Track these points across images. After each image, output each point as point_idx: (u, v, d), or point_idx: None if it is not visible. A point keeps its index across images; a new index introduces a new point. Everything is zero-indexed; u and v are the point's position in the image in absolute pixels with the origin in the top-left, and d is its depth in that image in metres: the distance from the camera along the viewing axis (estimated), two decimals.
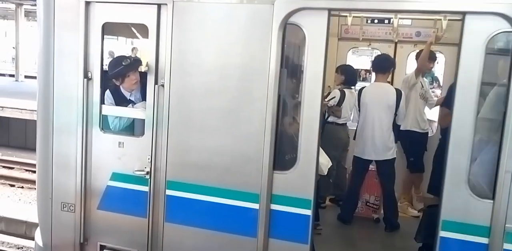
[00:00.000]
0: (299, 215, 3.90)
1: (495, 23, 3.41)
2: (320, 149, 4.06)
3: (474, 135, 3.50)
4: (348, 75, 6.38)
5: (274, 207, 3.97)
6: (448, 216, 3.56)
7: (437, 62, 7.09)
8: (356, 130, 5.84)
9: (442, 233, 3.59)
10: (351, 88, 6.48)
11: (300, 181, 3.89)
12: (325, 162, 4.61)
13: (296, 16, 3.77)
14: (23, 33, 23.50)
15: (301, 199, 3.89)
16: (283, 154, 4.07)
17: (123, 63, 4.58)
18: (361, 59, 20.38)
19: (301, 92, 3.83)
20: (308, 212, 3.88)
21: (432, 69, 8.12)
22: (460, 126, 3.51)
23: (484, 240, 3.51)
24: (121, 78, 4.69)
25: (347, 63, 6.96)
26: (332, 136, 6.03)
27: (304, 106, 3.83)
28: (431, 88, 8.03)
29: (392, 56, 6.61)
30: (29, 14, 24.38)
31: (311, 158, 3.85)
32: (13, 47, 25.48)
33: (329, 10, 3.73)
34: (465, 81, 3.49)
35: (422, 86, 6.17)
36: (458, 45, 3.54)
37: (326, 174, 4.60)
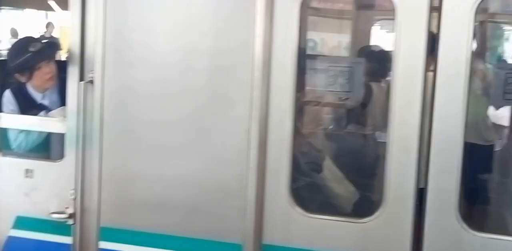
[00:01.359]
0: None
1: None
2: (339, 173, 4.07)
3: None
4: None
5: None
6: None
7: None
8: None
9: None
10: None
11: (389, 232, 3.81)
12: (348, 195, 4.64)
13: None
14: None
15: None
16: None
17: (31, 49, 4.53)
18: None
19: (389, 98, 3.78)
20: None
21: None
22: None
23: None
24: (28, 72, 4.65)
25: None
26: None
27: (394, 118, 3.78)
28: None
29: None
30: None
31: (407, 196, 3.78)
32: None
33: None
34: None
35: None
36: None
37: None
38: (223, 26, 3.99)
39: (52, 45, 4.92)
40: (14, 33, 12.88)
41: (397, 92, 3.75)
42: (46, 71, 4.66)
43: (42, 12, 15.67)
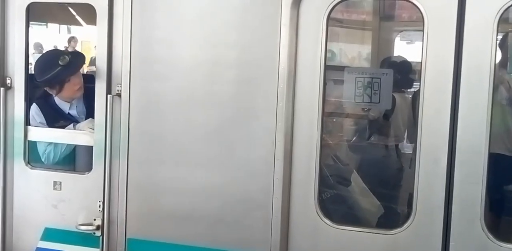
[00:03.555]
0: None
1: None
2: (366, 187, 4.05)
3: None
4: None
5: None
6: None
7: None
8: None
9: None
10: None
11: (418, 243, 3.78)
12: (374, 209, 4.62)
13: None
14: None
15: None
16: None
17: (60, 63, 4.54)
18: None
19: (418, 105, 3.76)
20: None
21: None
22: None
23: None
24: (58, 85, 4.69)
25: None
26: None
27: (421, 128, 3.73)
28: None
29: None
30: None
31: (436, 207, 3.73)
32: None
33: None
34: None
35: None
36: None
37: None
38: (248, 38, 3.99)
39: (79, 57, 4.93)
40: (37, 48, 13.00)
41: (425, 102, 3.72)
42: (75, 82, 4.70)
43: (65, 27, 15.79)
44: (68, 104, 4.79)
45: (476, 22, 3.57)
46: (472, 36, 3.57)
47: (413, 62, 6.55)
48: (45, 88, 4.74)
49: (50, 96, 4.79)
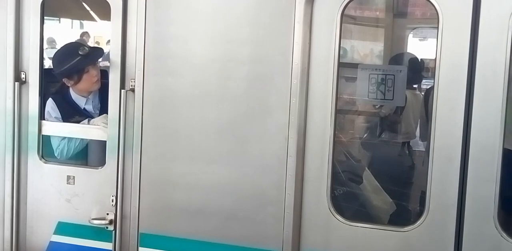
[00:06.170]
0: None
1: None
2: (378, 185, 4.04)
3: None
4: None
5: None
6: None
7: None
8: None
9: None
10: None
11: (431, 240, 3.78)
12: (385, 206, 4.61)
13: None
14: None
15: None
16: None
17: (80, 53, 4.61)
18: None
19: (432, 103, 3.75)
20: None
21: None
22: None
23: None
24: (77, 75, 4.71)
25: None
26: None
27: (435, 125, 3.74)
28: None
29: None
30: None
31: (450, 205, 3.74)
32: None
33: None
34: None
35: None
36: None
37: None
38: (262, 34, 4.00)
39: (97, 49, 5.02)
40: (50, 43, 13.00)
41: (439, 99, 3.71)
42: (93, 74, 4.74)
43: (77, 22, 15.81)
44: (84, 99, 4.82)
45: (491, 18, 3.56)
46: (487, 32, 3.55)
47: (425, 59, 6.52)
48: (63, 79, 4.77)
49: (66, 91, 4.83)
